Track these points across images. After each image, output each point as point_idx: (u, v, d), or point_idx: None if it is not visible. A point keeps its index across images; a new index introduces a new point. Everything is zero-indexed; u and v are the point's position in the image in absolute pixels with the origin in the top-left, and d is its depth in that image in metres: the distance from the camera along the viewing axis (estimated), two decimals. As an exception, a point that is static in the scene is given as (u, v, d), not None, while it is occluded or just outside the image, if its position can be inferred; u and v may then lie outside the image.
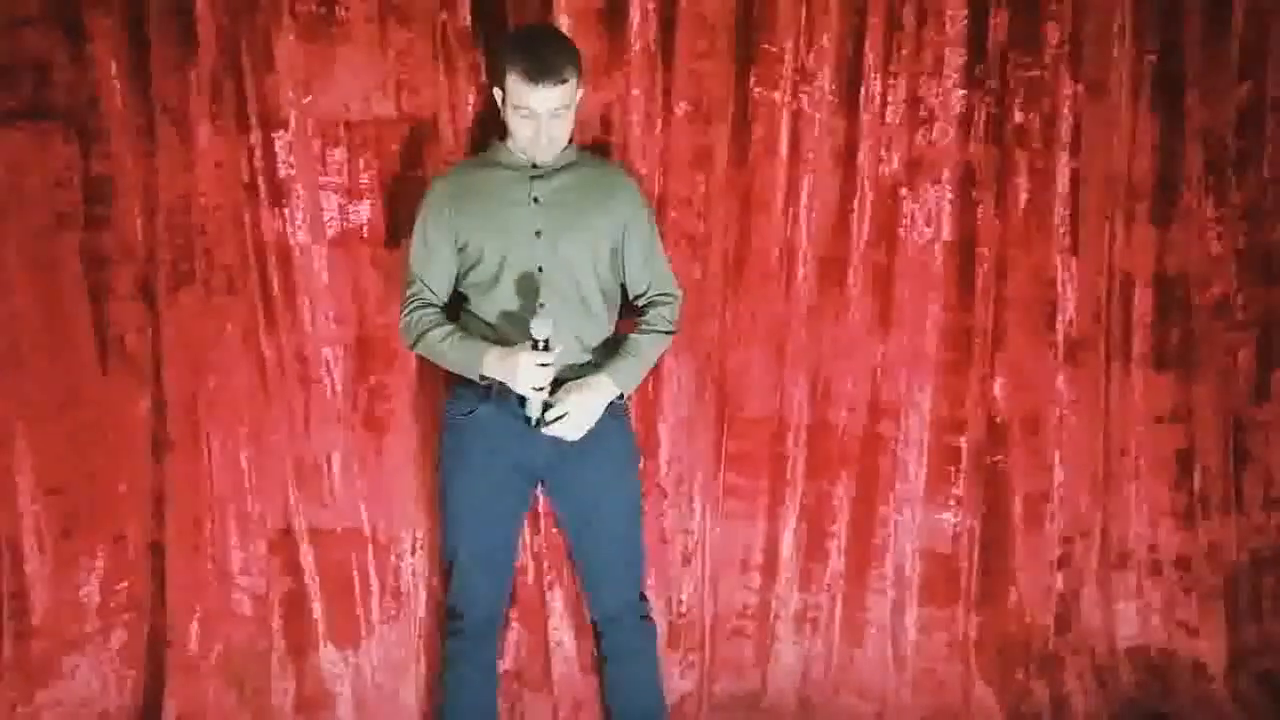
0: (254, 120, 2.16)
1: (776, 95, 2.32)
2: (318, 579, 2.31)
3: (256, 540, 2.29)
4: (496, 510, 2.05)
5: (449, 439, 2.06)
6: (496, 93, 1.97)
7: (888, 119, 2.38)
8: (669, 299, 2.11)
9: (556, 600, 2.35)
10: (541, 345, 1.82)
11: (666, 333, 2.10)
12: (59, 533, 2.20)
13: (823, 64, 2.33)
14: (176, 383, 2.21)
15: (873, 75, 2.35)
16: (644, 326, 2.07)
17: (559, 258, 1.97)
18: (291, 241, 2.22)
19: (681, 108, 2.28)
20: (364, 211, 2.23)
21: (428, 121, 2.21)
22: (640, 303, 2.11)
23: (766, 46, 2.30)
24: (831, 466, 2.47)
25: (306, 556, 2.30)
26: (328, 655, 2.33)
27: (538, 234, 1.96)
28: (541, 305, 1.94)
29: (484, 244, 1.96)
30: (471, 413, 1.99)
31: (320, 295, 2.24)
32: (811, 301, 2.41)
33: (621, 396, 2.04)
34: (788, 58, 2.31)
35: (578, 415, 1.91)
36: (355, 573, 2.32)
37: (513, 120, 1.93)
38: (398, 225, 2.22)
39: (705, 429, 2.38)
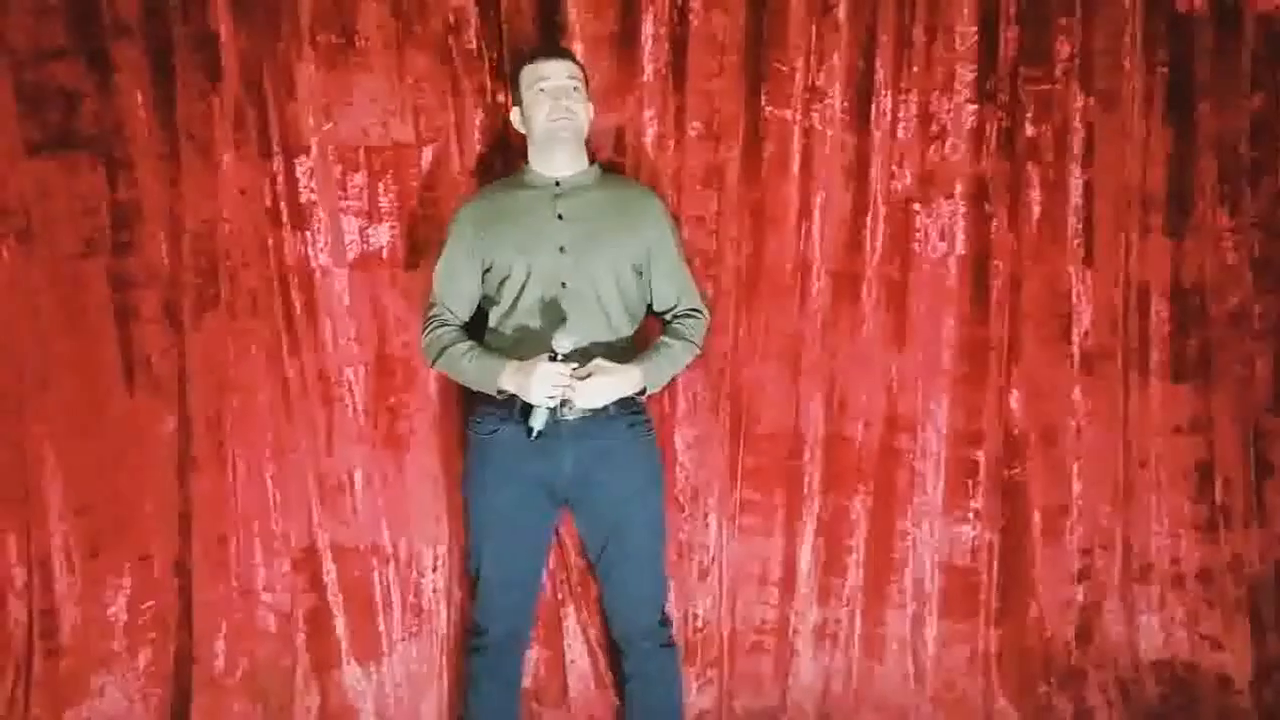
0: (276, 147, 2.21)
1: (788, 113, 2.34)
2: (340, 596, 2.33)
3: (280, 558, 2.32)
4: (520, 528, 2.07)
5: (472, 458, 2.09)
6: (515, 113, 2.05)
7: (899, 135, 2.39)
8: (697, 314, 2.14)
9: (571, 618, 2.37)
10: (560, 358, 1.85)
11: (695, 344, 2.11)
12: (87, 552, 2.23)
13: (833, 81, 2.35)
14: (201, 403, 2.25)
15: (883, 92, 2.36)
16: (674, 332, 2.09)
17: (582, 273, 1.99)
18: (313, 264, 2.26)
19: (694, 127, 2.31)
20: (383, 234, 2.27)
21: (444, 144, 2.25)
22: (668, 318, 2.13)
23: (777, 65, 2.33)
24: (848, 481, 2.47)
25: (329, 573, 2.33)
26: (351, 672, 2.35)
27: (562, 249, 1.99)
28: (564, 320, 1.96)
29: (510, 261, 2.00)
30: (495, 432, 2.01)
31: (341, 316, 2.28)
32: (826, 316, 2.42)
33: (645, 410, 2.07)
34: (798, 76, 2.33)
35: (595, 387, 1.90)
36: (377, 589, 2.35)
37: (532, 108, 1.99)
38: (416, 247, 2.27)
39: (721, 444, 2.39)
